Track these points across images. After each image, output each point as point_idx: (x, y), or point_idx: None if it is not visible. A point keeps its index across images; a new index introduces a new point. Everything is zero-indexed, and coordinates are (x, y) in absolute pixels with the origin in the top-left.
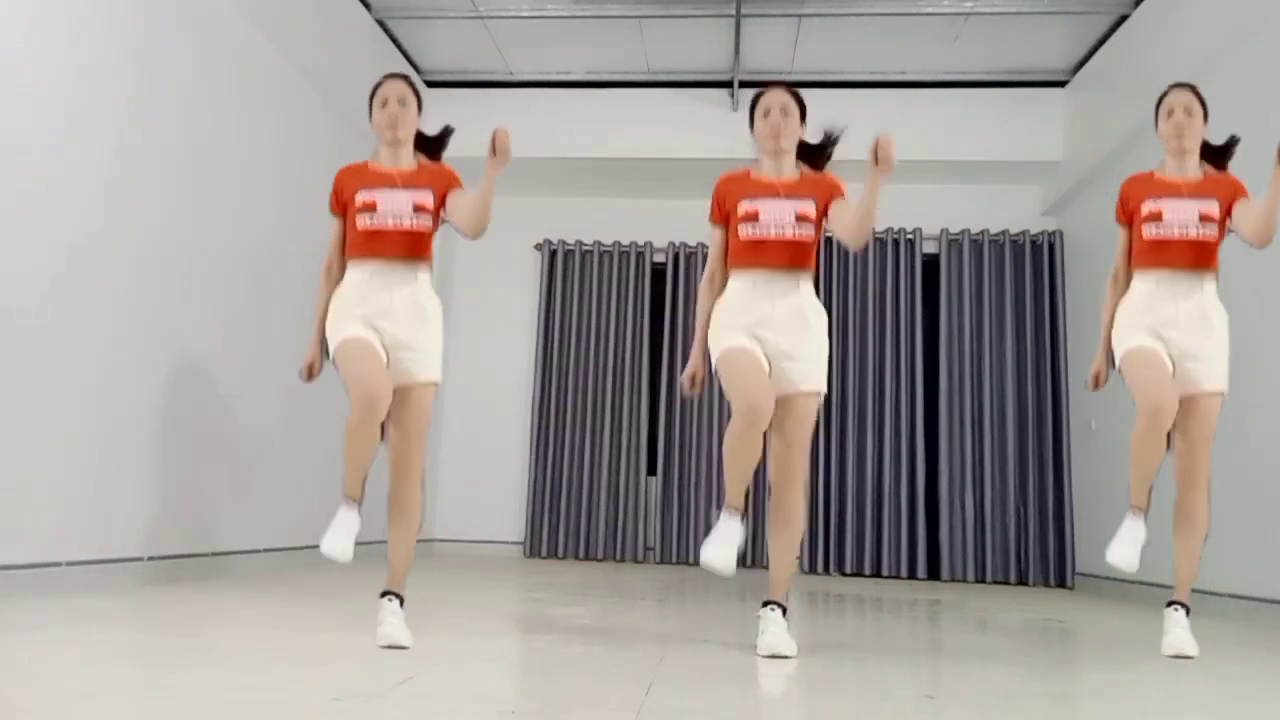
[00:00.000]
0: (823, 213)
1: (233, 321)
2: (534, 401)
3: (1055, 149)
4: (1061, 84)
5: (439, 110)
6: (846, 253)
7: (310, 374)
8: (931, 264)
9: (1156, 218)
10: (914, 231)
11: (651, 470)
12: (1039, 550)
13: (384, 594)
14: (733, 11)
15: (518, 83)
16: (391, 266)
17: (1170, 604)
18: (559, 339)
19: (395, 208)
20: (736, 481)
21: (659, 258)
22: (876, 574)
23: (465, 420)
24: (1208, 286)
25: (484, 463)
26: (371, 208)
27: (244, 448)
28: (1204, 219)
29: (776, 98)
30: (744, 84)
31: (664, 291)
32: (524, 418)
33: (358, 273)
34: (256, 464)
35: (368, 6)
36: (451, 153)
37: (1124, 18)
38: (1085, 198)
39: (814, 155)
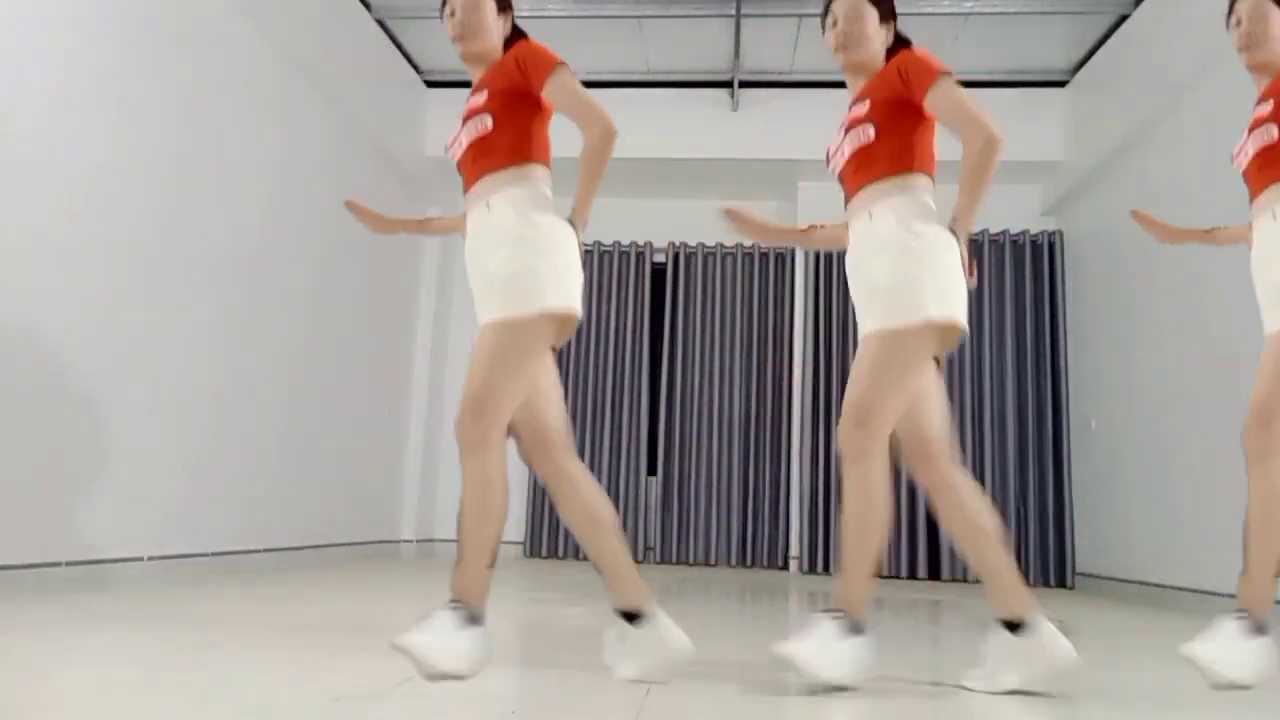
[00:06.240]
0: (894, 106)
1: (232, 322)
2: None
3: (1055, 149)
4: (1061, 84)
5: (439, 111)
6: (844, 252)
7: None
8: None
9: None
10: None
11: (651, 470)
12: (1039, 550)
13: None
14: (733, 11)
15: None
16: (469, 203)
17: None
18: None
19: (455, 134)
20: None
21: (659, 258)
22: (876, 574)
23: None
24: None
25: None
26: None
27: (250, 447)
28: (1258, 122)
29: (841, 3)
30: (744, 84)
31: (664, 291)
32: None
33: None
34: (262, 464)
35: (368, 6)
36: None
37: (1124, 18)
38: (1085, 198)
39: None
